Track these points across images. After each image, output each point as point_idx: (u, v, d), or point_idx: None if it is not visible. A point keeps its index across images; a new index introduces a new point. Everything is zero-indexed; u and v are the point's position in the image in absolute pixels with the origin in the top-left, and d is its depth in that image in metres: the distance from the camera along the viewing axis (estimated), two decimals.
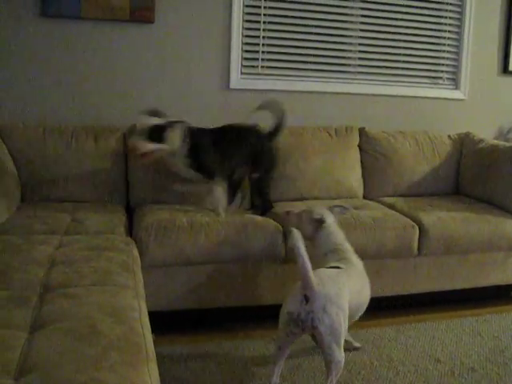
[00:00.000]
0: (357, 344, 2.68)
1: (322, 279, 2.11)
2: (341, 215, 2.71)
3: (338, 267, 2.32)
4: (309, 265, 2.02)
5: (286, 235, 2.81)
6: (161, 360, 2.34)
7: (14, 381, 1.29)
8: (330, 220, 2.59)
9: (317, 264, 2.29)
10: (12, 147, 3.14)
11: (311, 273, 2.03)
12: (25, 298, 1.76)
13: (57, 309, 1.69)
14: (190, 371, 2.45)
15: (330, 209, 2.65)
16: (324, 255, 2.48)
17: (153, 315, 1.92)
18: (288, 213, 2.73)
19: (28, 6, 3.33)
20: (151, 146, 2.87)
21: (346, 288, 2.18)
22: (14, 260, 2.11)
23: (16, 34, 3.34)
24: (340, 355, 2.09)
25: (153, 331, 1.70)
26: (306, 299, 2.04)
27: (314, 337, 2.23)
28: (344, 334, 2.10)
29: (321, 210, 2.62)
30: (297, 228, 2.42)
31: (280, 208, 3.11)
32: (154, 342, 1.63)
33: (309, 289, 2.03)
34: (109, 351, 1.42)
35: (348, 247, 2.54)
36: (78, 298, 1.77)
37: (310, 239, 2.52)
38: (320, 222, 2.56)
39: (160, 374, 1.46)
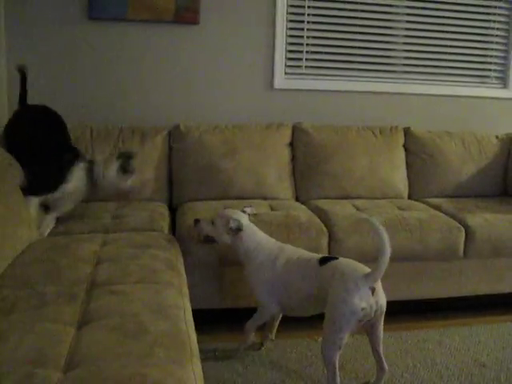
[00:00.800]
0: None
1: (357, 267, 2.15)
2: (253, 214, 2.64)
3: (335, 258, 2.30)
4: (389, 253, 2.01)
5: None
6: (204, 357, 2.38)
7: (62, 374, 1.32)
8: (246, 222, 2.51)
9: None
10: None
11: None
12: (73, 294, 1.80)
13: (103, 305, 1.73)
14: (232, 369, 2.47)
15: (242, 210, 2.57)
16: (250, 253, 2.47)
17: (197, 313, 1.94)
18: (198, 221, 2.61)
19: (75, 9, 3.41)
20: None
21: None
22: (62, 258, 2.16)
23: (63, 36, 3.43)
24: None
25: (196, 329, 1.72)
26: (373, 291, 2.06)
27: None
28: None
29: (234, 215, 2.51)
30: (210, 236, 2.52)
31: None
32: (197, 339, 1.65)
33: (375, 280, 2.06)
34: (154, 347, 1.44)
35: (272, 240, 2.52)
36: (123, 295, 1.80)
37: (229, 245, 2.53)
38: (238, 230, 2.46)
39: (202, 371, 1.47)
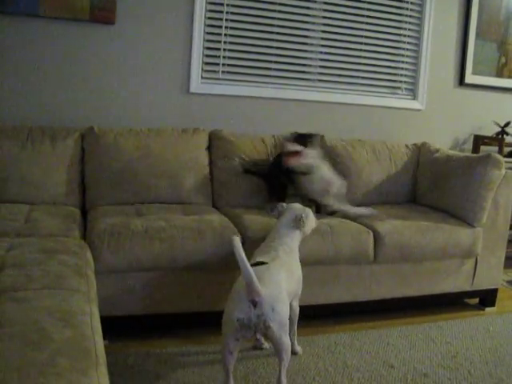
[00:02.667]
0: (298, 348, 2.71)
1: (263, 280, 2.15)
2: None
3: (262, 263, 2.34)
4: (251, 270, 2.06)
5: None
6: (114, 365, 2.32)
7: None
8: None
9: None
10: None
11: (255, 278, 2.07)
12: None
13: (4, 313, 1.64)
14: (145, 377, 2.42)
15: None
16: None
17: (107, 320, 1.89)
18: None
19: None
20: (294, 147, 3.15)
21: (282, 280, 2.28)
22: None
23: None
24: (288, 341, 2.20)
25: (106, 337, 1.67)
26: (254, 304, 2.09)
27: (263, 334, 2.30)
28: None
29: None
30: None
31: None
32: (107, 347, 1.60)
33: (256, 294, 2.08)
34: (57, 356, 1.38)
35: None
36: (27, 302, 1.72)
37: None
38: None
39: (112, 380, 1.43)
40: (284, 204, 2.75)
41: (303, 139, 3.19)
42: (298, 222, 2.62)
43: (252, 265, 2.25)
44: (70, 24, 3.42)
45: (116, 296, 2.72)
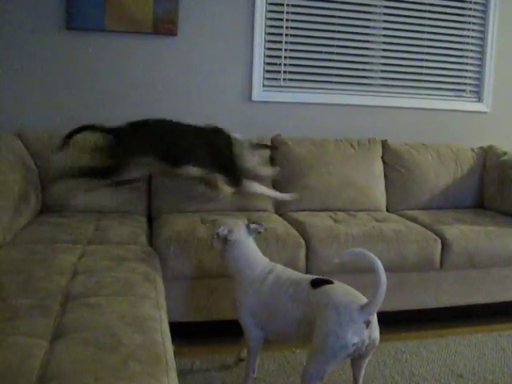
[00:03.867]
0: None
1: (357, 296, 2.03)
2: (257, 233, 2.44)
3: (328, 281, 2.16)
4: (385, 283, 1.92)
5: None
6: (181, 371, 2.35)
7: None
8: (239, 235, 2.37)
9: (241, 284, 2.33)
10: (37, 157, 3.17)
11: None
12: (46, 307, 1.77)
13: (78, 318, 1.70)
14: (210, 383, 2.45)
15: (247, 225, 2.41)
16: (237, 268, 2.36)
17: (174, 326, 1.93)
18: (214, 221, 2.59)
19: (53, 19, 3.39)
20: None
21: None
22: (38, 269, 2.13)
23: (41, 46, 3.40)
24: None
25: (173, 342, 1.70)
26: (367, 324, 1.94)
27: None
28: None
29: (229, 224, 2.41)
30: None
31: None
32: (174, 352, 1.63)
33: (371, 313, 1.95)
34: (129, 361, 1.42)
35: (264, 259, 2.41)
36: (98, 308, 1.78)
37: (220, 254, 2.45)
38: (225, 239, 2.37)
39: None
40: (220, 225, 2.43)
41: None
42: (252, 230, 2.42)
43: (317, 281, 2.15)
44: (134, 37, 3.52)
45: (182, 302, 2.78)
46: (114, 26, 3.45)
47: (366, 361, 2.11)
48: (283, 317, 2.18)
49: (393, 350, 2.81)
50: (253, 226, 2.42)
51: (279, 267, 2.34)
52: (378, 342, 2.00)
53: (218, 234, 2.36)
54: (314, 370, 1.99)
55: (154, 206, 3.34)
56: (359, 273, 2.64)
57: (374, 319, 1.99)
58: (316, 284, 2.12)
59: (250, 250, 2.38)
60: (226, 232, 2.35)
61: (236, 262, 2.36)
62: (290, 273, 2.31)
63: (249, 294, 2.29)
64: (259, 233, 2.44)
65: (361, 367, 2.13)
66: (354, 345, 1.92)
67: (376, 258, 1.93)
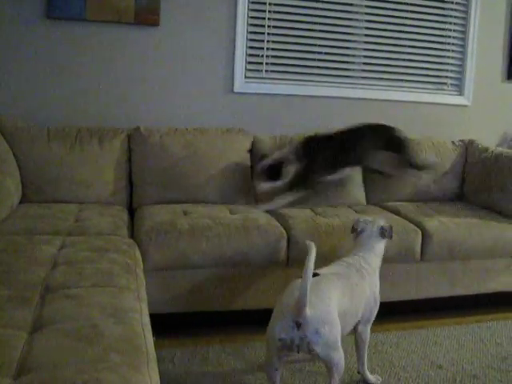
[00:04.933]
0: (371, 377, 2.49)
1: (309, 299, 1.98)
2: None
3: (315, 274, 2.13)
4: (308, 288, 1.90)
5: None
6: (161, 362, 2.35)
7: (13, 380, 1.28)
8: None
9: None
10: (16, 147, 3.14)
11: (307, 297, 1.91)
12: (26, 298, 1.76)
13: (58, 309, 1.69)
14: (191, 374, 2.45)
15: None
16: None
17: (154, 317, 1.92)
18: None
19: (33, 8, 3.34)
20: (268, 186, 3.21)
21: (333, 298, 2.11)
22: (17, 260, 2.11)
23: (21, 35, 3.35)
24: (338, 356, 2.04)
25: (154, 333, 1.70)
26: (298, 325, 1.96)
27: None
28: (340, 336, 2.07)
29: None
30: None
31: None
32: (155, 344, 1.63)
33: (301, 315, 1.94)
34: (109, 352, 1.41)
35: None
36: (79, 299, 1.77)
37: None
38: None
39: (160, 376, 1.45)
40: (366, 218, 2.65)
41: (274, 170, 3.20)
42: (385, 233, 2.55)
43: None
44: (115, 27, 3.48)
45: (163, 293, 2.77)
46: (95, 16, 3.40)
47: (330, 366, 2.04)
48: None
49: (373, 341, 2.81)
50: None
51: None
52: (316, 347, 1.98)
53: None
54: (265, 360, 2.17)
55: (135, 197, 3.32)
56: None
57: (311, 325, 1.96)
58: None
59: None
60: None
61: None
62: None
63: None
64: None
65: (328, 371, 2.07)
66: (280, 340, 1.98)
67: (311, 253, 1.94)
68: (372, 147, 3.40)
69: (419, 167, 3.53)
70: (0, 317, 1.60)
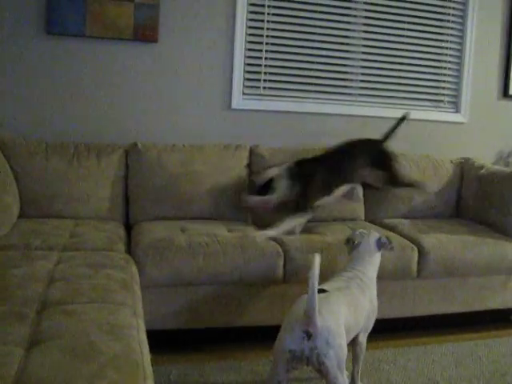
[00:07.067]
0: None
1: (320, 310, 1.99)
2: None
3: (323, 290, 2.20)
4: (316, 299, 1.91)
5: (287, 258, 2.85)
6: (158, 379, 2.34)
7: None
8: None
9: None
10: (13, 162, 3.14)
11: (317, 308, 1.92)
12: (22, 314, 1.75)
13: (54, 325, 1.68)
14: None
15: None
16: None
17: (151, 334, 1.91)
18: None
19: (33, 24, 3.36)
20: (257, 199, 3.16)
21: (342, 313, 2.13)
22: (13, 276, 2.10)
23: (20, 51, 3.37)
24: (343, 380, 2.02)
25: (150, 350, 1.69)
26: (308, 335, 1.95)
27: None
28: (345, 357, 2.05)
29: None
30: None
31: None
32: (152, 360, 1.62)
33: (312, 325, 1.94)
34: (105, 369, 1.41)
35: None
36: (75, 315, 1.76)
37: None
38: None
39: None
40: (361, 230, 2.65)
41: (265, 190, 3.17)
42: (383, 245, 2.56)
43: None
44: (114, 43, 3.50)
45: (159, 310, 2.76)
46: (94, 32, 3.43)
47: (331, 378, 2.01)
48: None
49: (370, 358, 2.81)
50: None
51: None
52: (326, 358, 1.97)
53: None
54: (269, 372, 2.11)
55: (131, 213, 3.32)
56: None
57: (321, 336, 1.96)
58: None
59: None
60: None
61: None
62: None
63: None
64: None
65: (327, 379, 2.03)
66: (290, 351, 1.97)
67: (315, 264, 1.94)
68: (359, 165, 3.40)
69: (406, 184, 3.55)
70: None
